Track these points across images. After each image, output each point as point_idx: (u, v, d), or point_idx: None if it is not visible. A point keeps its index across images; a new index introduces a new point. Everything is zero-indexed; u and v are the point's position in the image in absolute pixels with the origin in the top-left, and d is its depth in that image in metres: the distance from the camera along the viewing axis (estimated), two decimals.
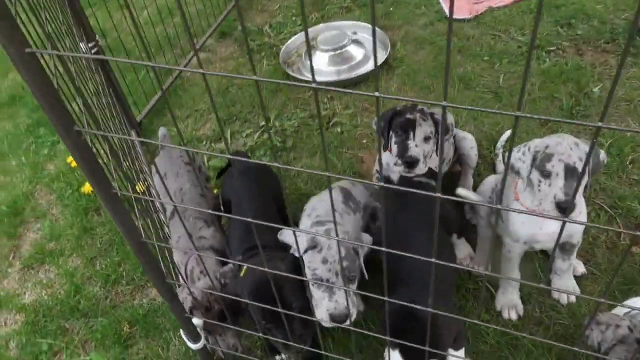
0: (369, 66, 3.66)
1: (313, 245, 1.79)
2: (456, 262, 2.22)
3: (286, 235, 1.93)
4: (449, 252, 2.08)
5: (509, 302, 2.15)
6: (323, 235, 1.36)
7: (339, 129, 3.22)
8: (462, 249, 2.39)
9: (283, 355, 2.21)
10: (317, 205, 2.14)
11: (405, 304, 1.13)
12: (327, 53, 3.73)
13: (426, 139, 2.22)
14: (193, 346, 1.75)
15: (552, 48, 3.44)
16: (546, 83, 3.18)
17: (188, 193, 2.27)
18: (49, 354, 2.36)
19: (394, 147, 2.26)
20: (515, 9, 3.88)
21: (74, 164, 3.20)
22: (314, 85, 0.71)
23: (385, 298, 1.13)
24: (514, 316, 2.14)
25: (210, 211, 1.22)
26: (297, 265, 1.83)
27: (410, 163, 2.19)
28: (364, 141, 3.11)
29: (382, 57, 3.66)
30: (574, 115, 2.90)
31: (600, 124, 0.61)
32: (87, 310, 2.50)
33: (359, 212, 2.23)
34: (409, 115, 2.22)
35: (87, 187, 3.08)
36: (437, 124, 2.26)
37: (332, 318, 1.73)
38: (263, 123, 3.36)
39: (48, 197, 3.21)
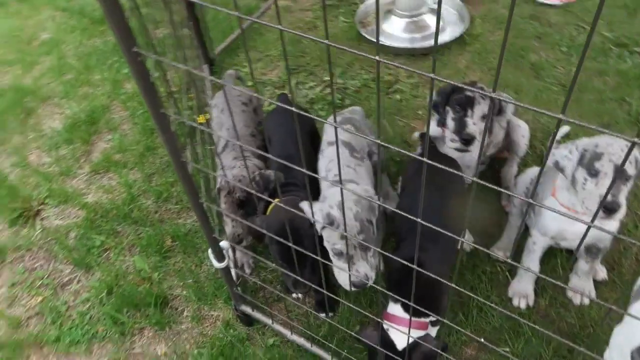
0: (444, 38, 3.62)
1: (330, 222, 1.83)
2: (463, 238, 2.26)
3: (305, 207, 1.89)
4: (459, 228, 2.11)
5: (522, 290, 2.19)
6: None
7: (398, 97, 3.26)
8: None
9: (299, 295, 2.39)
10: (330, 166, 2.17)
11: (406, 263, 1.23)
12: (403, 19, 3.72)
13: (483, 117, 2.23)
14: (217, 265, 1.94)
15: (637, 49, 3.26)
16: (621, 85, 3.04)
17: (239, 131, 2.43)
18: (99, 249, 2.67)
19: (451, 123, 2.29)
20: (610, 1, 3.67)
21: None
22: (326, 42, 0.81)
23: (380, 251, 1.25)
24: (523, 305, 2.18)
25: (249, 149, 1.36)
26: None
27: (468, 140, 2.21)
28: (420, 112, 3.14)
29: (458, 31, 3.61)
30: None
31: (561, 115, 0.68)
32: (138, 219, 2.79)
33: (366, 159, 2.24)
34: (468, 93, 2.23)
35: None
36: (494, 103, 2.26)
37: (353, 285, 1.87)
38: (327, 78, 3.45)
39: (122, 113, 3.51)
